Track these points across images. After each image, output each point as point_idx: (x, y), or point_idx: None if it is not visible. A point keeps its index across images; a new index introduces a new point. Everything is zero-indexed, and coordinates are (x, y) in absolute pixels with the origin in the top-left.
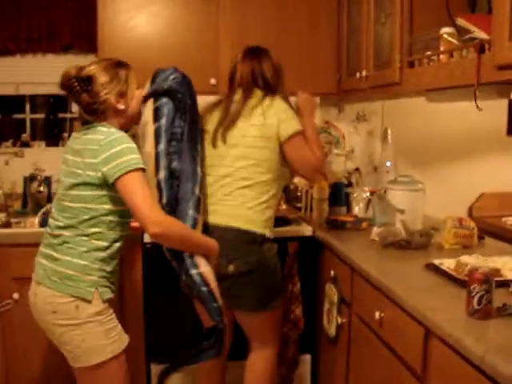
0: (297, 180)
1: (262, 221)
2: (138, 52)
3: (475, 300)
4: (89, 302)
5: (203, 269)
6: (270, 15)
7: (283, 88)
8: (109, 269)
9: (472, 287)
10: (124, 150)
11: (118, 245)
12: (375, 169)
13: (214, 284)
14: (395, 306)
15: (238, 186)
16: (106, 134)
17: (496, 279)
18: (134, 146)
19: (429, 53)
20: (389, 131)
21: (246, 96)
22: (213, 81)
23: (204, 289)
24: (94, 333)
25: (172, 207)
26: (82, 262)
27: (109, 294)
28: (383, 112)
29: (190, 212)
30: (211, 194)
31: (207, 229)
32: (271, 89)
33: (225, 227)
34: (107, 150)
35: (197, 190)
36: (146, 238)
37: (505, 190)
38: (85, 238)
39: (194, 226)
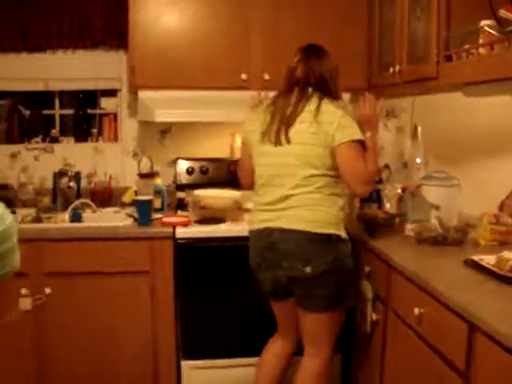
0: None
1: (334, 221)
2: (168, 48)
3: None
4: None
5: None
6: (301, 9)
7: (340, 89)
8: None
9: None
10: None
11: None
12: (405, 165)
13: None
14: (436, 302)
15: (304, 192)
16: None
17: None
18: None
19: (467, 46)
20: (419, 128)
21: (303, 98)
22: (244, 76)
23: None
24: None
25: None
26: None
27: None
28: (413, 108)
29: None
30: (276, 201)
31: (278, 234)
32: (329, 91)
33: (297, 231)
34: None
35: None
36: (179, 234)
37: None
38: None
39: None
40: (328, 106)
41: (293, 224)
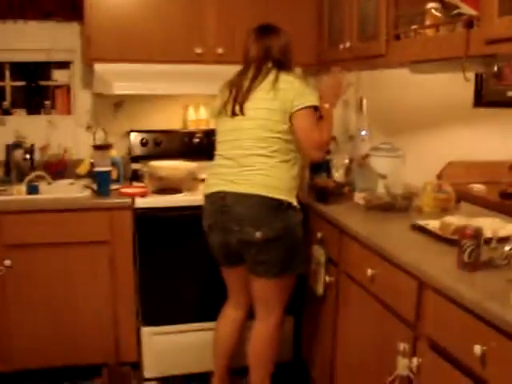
0: None
1: (286, 188)
2: (124, 20)
3: (466, 254)
4: None
5: None
6: None
7: (292, 64)
8: None
9: (463, 242)
10: None
11: None
12: (350, 137)
13: None
14: (387, 262)
15: (258, 155)
16: None
17: None
18: None
19: (415, 26)
20: (364, 101)
21: (259, 71)
22: (198, 50)
23: None
24: None
25: None
26: None
27: None
28: (358, 83)
29: None
30: (231, 165)
31: (231, 198)
32: (283, 66)
33: (249, 195)
34: None
35: None
36: (138, 204)
37: (470, 158)
38: None
39: None
40: (286, 77)
41: (246, 188)
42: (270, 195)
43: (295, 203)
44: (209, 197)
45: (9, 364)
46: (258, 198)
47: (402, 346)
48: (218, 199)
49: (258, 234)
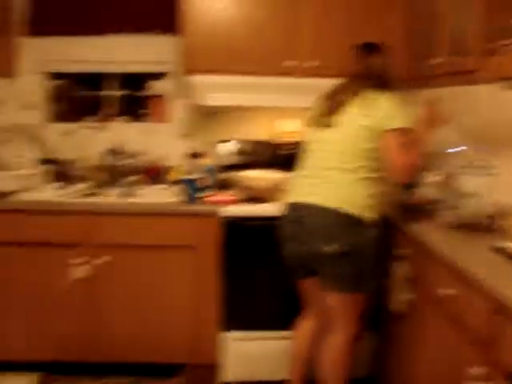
0: None
1: (362, 205)
2: (220, 34)
3: None
4: None
5: None
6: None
7: (393, 84)
8: None
9: None
10: None
11: None
12: (444, 153)
13: None
14: (464, 283)
15: (339, 169)
16: None
17: None
18: None
19: (509, 41)
20: (458, 117)
21: (357, 87)
22: (294, 62)
23: None
24: None
25: None
26: None
27: None
28: (451, 97)
29: None
30: (312, 176)
31: (307, 209)
32: (381, 85)
33: (324, 208)
34: None
35: None
36: (225, 212)
37: None
38: None
39: None
40: (381, 95)
41: (322, 201)
42: (344, 210)
43: (370, 220)
44: (287, 207)
45: (98, 355)
46: (332, 211)
47: (474, 371)
48: (295, 209)
49: (327, 248)
